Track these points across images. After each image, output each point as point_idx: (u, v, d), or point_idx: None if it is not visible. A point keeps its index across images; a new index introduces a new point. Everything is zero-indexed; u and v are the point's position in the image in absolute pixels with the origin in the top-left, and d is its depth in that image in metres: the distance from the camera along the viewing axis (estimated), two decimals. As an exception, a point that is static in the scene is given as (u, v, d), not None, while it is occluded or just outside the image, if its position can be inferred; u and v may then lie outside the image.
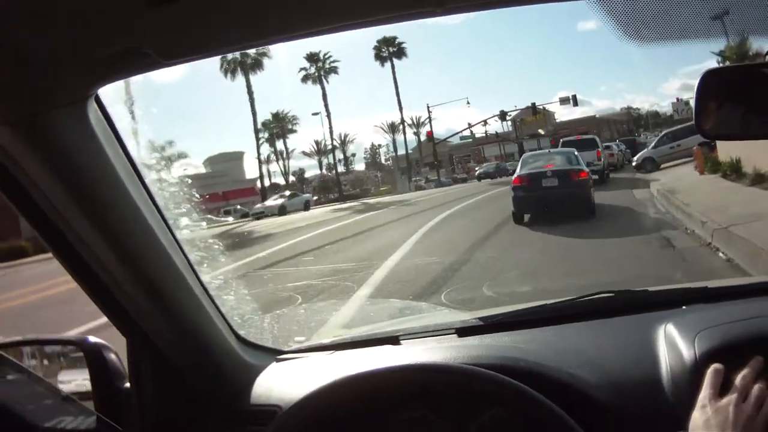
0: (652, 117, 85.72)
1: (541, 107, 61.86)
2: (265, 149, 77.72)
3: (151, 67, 1.48)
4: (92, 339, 2.14)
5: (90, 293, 1.87)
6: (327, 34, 1.43)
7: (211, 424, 2.14)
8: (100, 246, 1.73)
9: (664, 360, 1.85)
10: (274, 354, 2.38)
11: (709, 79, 1.60)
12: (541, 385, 1.73)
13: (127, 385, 2.11)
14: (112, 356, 2.12)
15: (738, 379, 1.59)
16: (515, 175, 18.16)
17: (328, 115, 74.17)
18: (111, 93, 1.64)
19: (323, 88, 73.83)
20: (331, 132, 79.11)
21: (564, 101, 58.45)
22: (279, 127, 75.53)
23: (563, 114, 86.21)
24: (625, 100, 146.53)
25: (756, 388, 1.57)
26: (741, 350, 1.69)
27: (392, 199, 42.08)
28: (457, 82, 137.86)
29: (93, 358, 2.10)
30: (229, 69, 66.96)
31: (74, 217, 1.66)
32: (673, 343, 1.87)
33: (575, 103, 58.37)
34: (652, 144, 34.76)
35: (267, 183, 72.06)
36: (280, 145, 79.27)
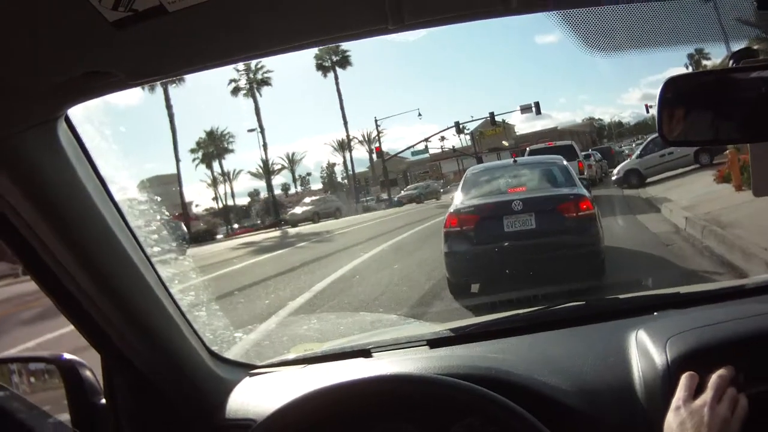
0: (615, 127, 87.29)
1: (500, 119, 59.83)
2: (202, 171, 75.53)
3: (119, 88, 1.53)
4: (67, 356, 2.15)
5: (63, 310, 1.91)
6: (287, 53, 1.49)
7: None
8: (72, 264, 1.76)
9: (636, 366, 1.89)
10: (247, 369, 2.42)
11: (671, 86, 1.62)
12: (513, 393, 1.77)
13: (103, 401, 2.12)
14: (87, 373, 2.14)
15: (712, 382, 1.62)
16: (450, 210, 10.28)
17: (262, 131, 66.65)
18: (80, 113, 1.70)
19: (256, 102, 67.40)
20: (264, 148, 71.93)
21: (525, 109, 54.56)
22: (214, 146, 69.11)
23: (523, 127, 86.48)
24: (585, 111, 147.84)
25: (730, 390, 1.61)
26: (712, 354, 1.73)
27: (318, 228, 37.05)
28: (410, 96, 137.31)
29: (68, 375, 2.12)
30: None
31: (46, 234, 1.70)
32: (644, 349, 1.90)
33: (538, 111, 54.47)
34: (636, 153, 29.43)
35: (219, 206, 69.74)
36: (225, 164, 75.43)
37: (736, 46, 1.66)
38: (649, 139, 30.42)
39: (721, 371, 1.63)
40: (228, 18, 1.30)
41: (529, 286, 7.92)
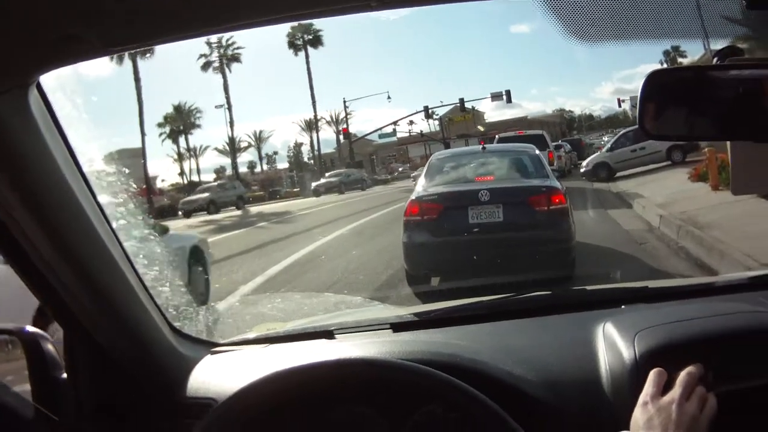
0: (586, 120, 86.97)
1: (470, 106, 59.65)
2: (168, 146, 74.38)
3: (93, 55, 1.50)
4: (30, 329, 2.11)
5: (27, 282, 1.89)
6: (268, 25, 1.46)
7: (146, 416, 2.15)
8: (36, 234, 1.74)
9: (603, 359, 1.88)
10: (208, 346, 2.39)
11: (654, 79, 1.61)
12: (477, 381, 1.74)
13: (65, 375, 2.09)
14: (50, 346, 2.10)
15: (680, 379, 1.61)
16: (412, 197, 9.66)
17: (229, 108, 67.82)
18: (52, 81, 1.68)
19: (225, 78, 68.18)
20: (231, 125, 69.97)
21: (496, 97, 54.03)
22: (182, 121, 69.60)
23: (493, 115, 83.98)
24: (556, 102, 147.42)
25: (699, 388, 1.60)
26: (681, 351, 1.72)
27: (281, 207, 37.33)
28: (380, 79, 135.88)
29: (30, 347, 2.08)
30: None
31: (11, 203, 1.67)
32: (612, 343, 1.89)
33: (509, 100, 54.43)
34: (607, 146, 29.54)
35: (185, 182, 68.66)
36: (192, 140, 75.00)
37: (719, 44, 1.67)
38: (621, 132, 30.35)
39: (690, 368, 1.62)
40: None
41: (494, 276, 7.74)
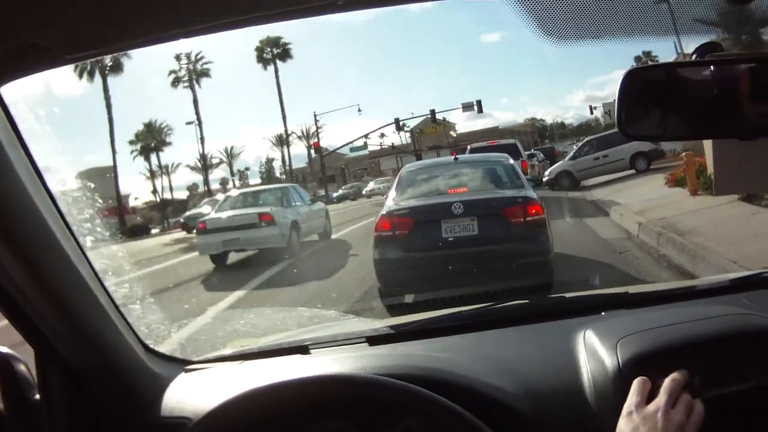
0: (558, 128, 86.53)
1: (441, 117, 59.30)
2: (141, 164, 72.13)
3: (55, 63, 1.48)
4: (1, 349, 2.05)
5: None
6: (232, 29, 1.44)
7: None
8: (1, 252, 1.69)
9: (585, 368, 1.86)
10: (182, 364, 2.36)
11: (631, 79, 1.59)
12: (455, 394, 1.74)
13: (38, 396, 2.05)
14: (22, 367, 2.05)
15: (665, 386, 1.59)
16: (383, 212, 9.37)
17: (200, 124, 65.88)
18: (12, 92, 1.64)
19: (194, 93, 66.37)
20: (202, 142, 69.69)
21: (467, 108, 53.44)
22: (153, 138, 67.31)
23: (465, 126, 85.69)
24: (527, 112, 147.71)
25: (684, 395, 1.58)
26: (665, 357, 1.71)
27: None
28: (350, 92, 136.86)
29: (1, 368, 2.02)
30: (85, 70, 56.46)
31: None
32: (593, 351, 1.87)
33: (480, 110, 53.53)
34: (569, 155, 29.18)
35: (157, 199, 67.31)
36: (164, 157, 74.99)
37: (688, 47, 1.67)
38: (584, 140, 30.34)
39: (674, 375, 1.61)
40: None
41: (470, 287, 7.63)
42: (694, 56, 1.60)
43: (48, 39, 1.35)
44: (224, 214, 17.27)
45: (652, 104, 1.63)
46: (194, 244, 17.95)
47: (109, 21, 1.35)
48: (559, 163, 29.28)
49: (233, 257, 17.20)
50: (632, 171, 24.60)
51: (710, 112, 1.58)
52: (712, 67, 1.59)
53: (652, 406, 1.56)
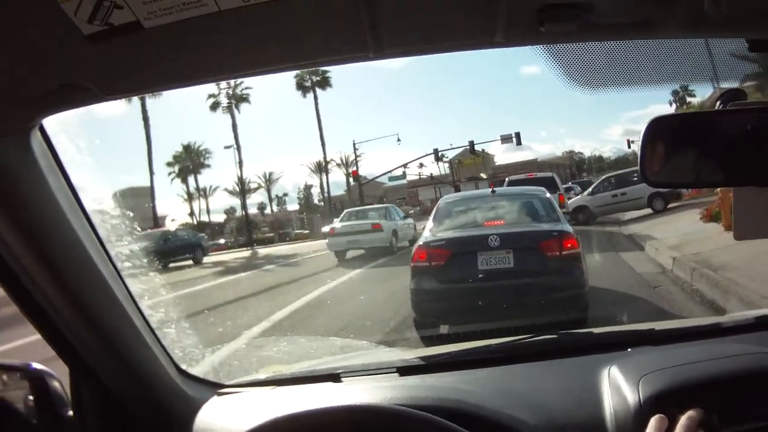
0: (595, 161, 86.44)
1: (480, 149, 58.21)
2: (178, 186, 74.86)
3: (93, 101, 1.51)
4: (35, 365, 2.09)
5: (32, 321, 1.89)
6: (265, 75, 1.49)
7: None
8: (41, 276, 1.75)
9: (608, 403, 1.87)
10: (215, 388, 2.39)
11: (655, 126, 1.61)
12: (481, 427, 1.79)
13: (71, 413, 2.08)
14: (56, 384, 2.07)
15: (681, 424, 1.59)
16: (419, 242, 9.43)
17: (238, 148, 66.76)
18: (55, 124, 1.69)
19: (233, 118, 67.82)
20: (240, 166, 71.81)
21: (506, 140, 53.25)
22: (191, 161, 68.50)
23: (503, 158, 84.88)
24: (565, 144, 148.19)
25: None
26: (685, 394, 1.72)
27: (290, 250, 36.25)
28: (390, 121, 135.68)
29: (36, 385, 2.06)
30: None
31: (16, 245, 1.68)
32: (617, 386, 1.89)
33: (518, 142, 53.38)
34: (588, 190, 28.91)
35: (194, 222, 68.61)
36: (202, 180, 77.17)
37: (725, 84, 1.68)
38: (603, 177, 30.07)
39: (690, 412, 1.62)
40: (206, 38, 1.30)
41: (504, 320, 7.63)
42: (718, 103, 1.63)
43: (86, 80, 1.39)
44: (347, 224, 24.27)
45: (676, 152, 1.64)
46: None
47: (144, 66, 1.40)
48: (576, 198, 29.06)
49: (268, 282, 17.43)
50: (644, 211, 24.56)
51: (731, 160, 1.59)
52: (736, 115, 1.61)
53: None
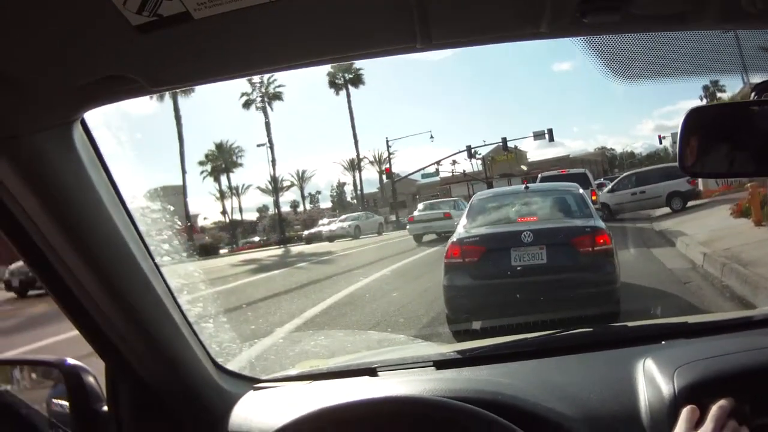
0: (627, 157, 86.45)
1: (513, 145, 58.16)
2: (210, 184, 74.71)
3: (138, 93, 1.54)
4: (71, 361, 2.15)
5: (70, 316, 1.91)
6: (313, 66, 1.49)
7: None
8: (81, 269, 1.77)
9: (643, 395, 1.88)
10: (251, 382, 2.41)
11: (693, 117, 1.63)
12: (518, 418, 1.78)
13: (105, 408, 2.12)
14: (91, 379, 2.13)
15: (711, 413, 1.60)
16: (453, 239, 9.32)
17: (271, 147, 65.23)
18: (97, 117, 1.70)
19: (266, 116, 66.69)
20: (273, 164, 68.79)
21: (538, 136, 53.61)
22: (223, 159, 68.84)
23: (536, 154, 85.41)
24: (597, 141, 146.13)
25: (731, 422, 1.59)
26: (719, 386, 1.73)
27: (322, 247, 35.89)
28: (422, 118, 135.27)
29: (71, 380, 2.12)
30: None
31: (56, 238, 1.70)
32: (651, 378, 1.90)
33: (551, 138, 55.45)
34: (608, 187, 28.87)
35: (227, 220, 69.12)
36: (234, 179, 76.15)
37: (755, 79, 1.68)
38: (624, 174, 30.12)
39: (721, 402, 1.62)
40: (254, 29, 1.30)
41: (535, 314, 7.55)
42: (753, 94, 1.64)
43: (134, 72, 1.39)
44: (423, 213, 28.73)
45: (713, 142, 1.65)
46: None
47: (192, 57, 1.40)
48: None
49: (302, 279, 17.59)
50: (664, 210, 24.58)
51: (765, 150, 1.61)
52: None
53: None
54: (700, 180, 24.80)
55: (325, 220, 55.93)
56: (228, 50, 1.38)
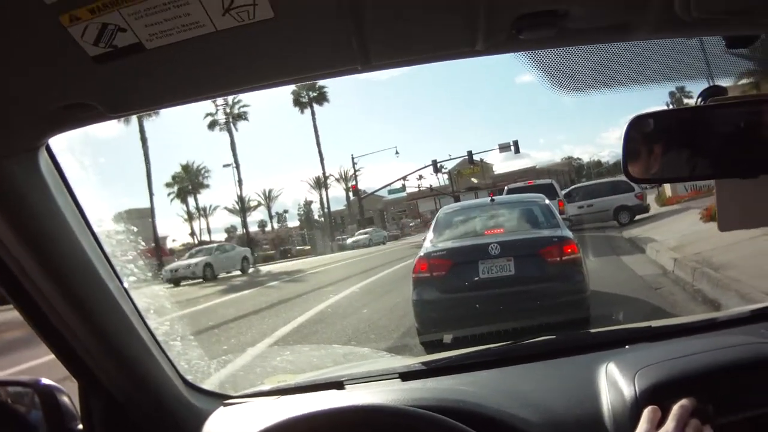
0: (594, 166, 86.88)
1: (478, 158, 56.72)
2: (178, 206, 73.62)
3: (98, 119, 1.57)
4: (45, 381, 2.16)
5: (41, 336, 1.94)
6: (262, 89, 1.54)
7: None
8: (50, 291, 1.80)
9: (606, 398, 1.91)
10: (221, 399, 2.43)
11: (636, 124, 1.65)
12: (481, 425, 1.82)
13: (80, 427, 2.14)
14: (65, 398, 2.14)
15: (673, 412, 1.62)
16: (420, 253, 9.31)
17: (237, 167, 66.87)
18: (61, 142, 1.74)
19: (231, 136, 67.55)
20: (240, 184, 73.08)
21: (504, 148, 54.44)
22: (189, 181, 68.10)
23: (502, 167, 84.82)
24: (564, 151, 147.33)
25: (693, 421, 1.61)
26: (680, 386, 1.75)
27: (291, 266, 36.41)
28: (387, 134, 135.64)
29: (46, 399, 2.12)
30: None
31: (26, 261, 1.73)
32: (614, 382, 1.92)
33: (517, 150, 56.71)
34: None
35: (195, 241, 67.36)
36: (201, 200, 77.21)
37: (701, 85, 1.70)
38: (571, 187, 30.50)
39: (682, 401, 1.64)
40: (204, 56, 1.35)
41: (506, 323, 7.69)
42: (699, 99, 1.66)
43: (92, 99, 1.45)
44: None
45: (656, 148, 1.67)
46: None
47: (147, 85, 1.46)
48: None
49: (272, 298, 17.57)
50: (608, 222, 25.01)
51: (712, 153, 1.64)
52: (715, 110, 1.65)
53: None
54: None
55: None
56: (180, 77, 1.43)
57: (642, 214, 25.19)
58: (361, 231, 59.13)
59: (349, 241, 55.60)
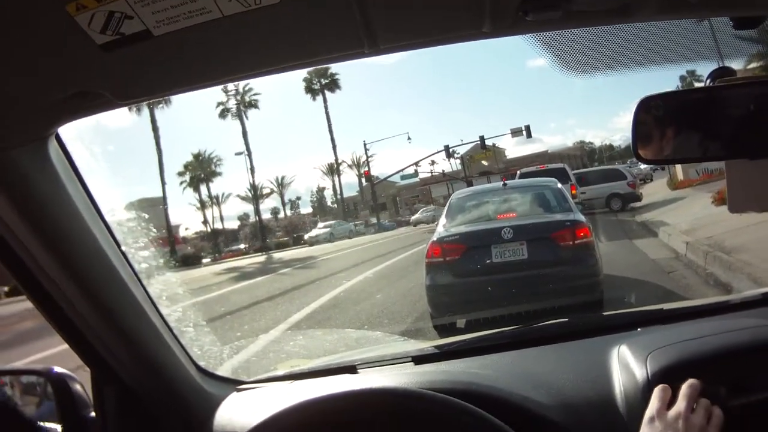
0: (606, 150, 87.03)
1: (491, 143, 56.44)
2: (190, 194, 73.54)
3: (107, 107, 1.57)
4: (57, 369, 2.18)
5: (54, 325, 1.94)
6: (269, 75, 1.53)
7: None
8: (63, 280, 1.80)
9: (618, 380, 1.91)
10: (234, 384, 2.43)
11: (645, 105, 1.65)
12: (494, 407, 1.79)
13: (93, 414, 2.15)
14: (77, 387, 2.16)
15: (683, 392, 1.62)
16: (433, 238, 9.26)
17: (249, 155, 66.80)
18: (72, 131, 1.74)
19: (243, 124, 67.81)
20: (252, 172, 71.79)
21: (516, 133, 53.96)
22: (201, 169, 68.37)
23: (514, 151, 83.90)
24: (576, 135, 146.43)
25: (703, 400, 1.61)
26: (692, 368, 1.74)
27: (305, 253, 36.17)
28: (400, 120, 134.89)
29: (59, 388, 2.15)
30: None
31: (38, 251, 1.73)
32: (626, 364, 1.93)
33: (529, 135, 55.72)
34: None
35: (208, 229, 68.48)
36: (214, 188, 76.57)
37: (710, 66, 1.68)
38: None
39: (691, 381, 1.64)
40: (211, 42, 1.35)
41: (518, 306, 7.71)
42: (707, 80, 1.65)
43: (101, 87, 1.44)
44: None
45: (667, 130, 1.66)
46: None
47: (155, 72, 1.45)
48: None
49: (285, 285, 17.58)
50: (602, 210, 25.01)
51: (721, 134, 1.64)
52: (724, 91, 1.64)
53: (672, 412, 1.59)
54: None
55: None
56: (187, 63, 1.43)
57: (635, 202, 25.51)
58: (321, 225, 59.00)
59: (307, 236, 55.33)
